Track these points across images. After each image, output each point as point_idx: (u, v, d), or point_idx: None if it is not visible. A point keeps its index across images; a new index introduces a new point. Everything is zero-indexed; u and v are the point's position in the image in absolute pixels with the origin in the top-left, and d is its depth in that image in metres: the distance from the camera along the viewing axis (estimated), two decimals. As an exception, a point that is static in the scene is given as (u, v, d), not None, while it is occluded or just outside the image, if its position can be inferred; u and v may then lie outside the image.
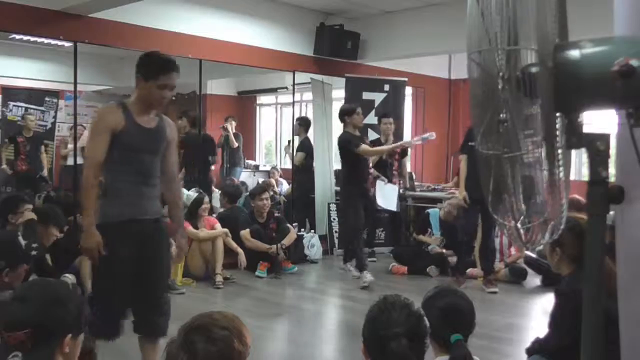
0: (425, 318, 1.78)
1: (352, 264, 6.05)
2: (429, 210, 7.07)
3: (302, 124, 7.93)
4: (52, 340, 1.58)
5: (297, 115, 8.76)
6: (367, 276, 5.69)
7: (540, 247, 3.48)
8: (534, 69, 1.44)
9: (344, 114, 6.05)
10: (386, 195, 6.44)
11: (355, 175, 5.95)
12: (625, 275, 1.70)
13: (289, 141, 8.47)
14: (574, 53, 1.40)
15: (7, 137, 8.68)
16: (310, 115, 8.66)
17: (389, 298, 1.81)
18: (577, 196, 3.61)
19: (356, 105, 6.16)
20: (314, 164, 8.06)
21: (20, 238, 3.93)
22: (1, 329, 1.57)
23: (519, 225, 1.53)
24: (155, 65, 2.88)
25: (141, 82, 2.87)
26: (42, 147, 8.58)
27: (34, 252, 4.20)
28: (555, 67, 1.41)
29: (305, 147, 7.82)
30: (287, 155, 8.83)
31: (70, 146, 9.02)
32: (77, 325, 1.64)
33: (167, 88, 2.87)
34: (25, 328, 1.54)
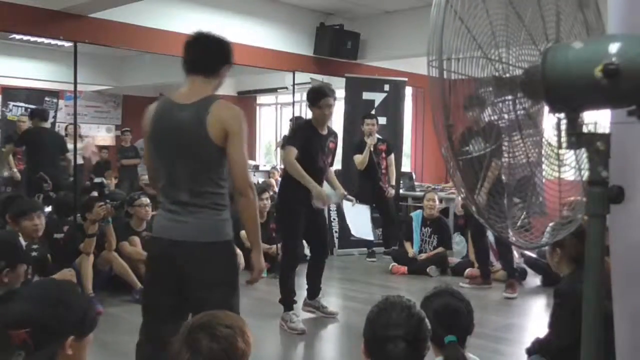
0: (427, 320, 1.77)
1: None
2: (413, 214, 7.08)
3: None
4: (53, 341, 1.55)
5: (297, 115, 8.76)
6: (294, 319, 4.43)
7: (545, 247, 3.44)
8: (529, 71, 1.44)
9: (308, 99, 4.51)
10: (358, 221, 4.78)
11: (295, 182, 4.30)
12: (620, 274, 1.71)
13: (284, 136, 8.46)
14: (565, 54, 1.40)
15: (6, 137, 8.71)
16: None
17: (391, 298, 1.79)
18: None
19: (331, 93, 4.42)
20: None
21: (21, 238, 3.93)
22: (5, 326, 1.55)
23: (517, 224, 1.53)
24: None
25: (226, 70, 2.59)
26: None
27: (34, 253, 4.19)
28: (548, 68, 1.41)
29: None
30: (278, 149, 8.80)
31: (70, 146, 9.00)
32: (80, 327, 1.59)
33: None
34: (26, 326, 1.52)
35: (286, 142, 4.46)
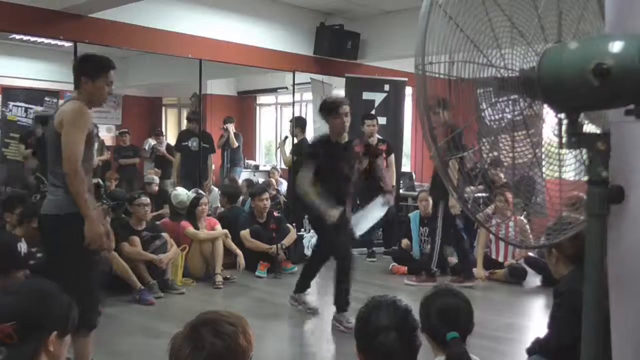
0: (414, 313, 1.84)
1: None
2: (410, 214, 7.07)
3: (298, 125, 7.90)
4: (38, 335, 1.59)
5: (297, 115, 8.75)
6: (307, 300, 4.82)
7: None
8: (528, 72, 1.44)
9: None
10: (365, 220, 5.09)
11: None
12: (618, 275, 1.70)
13: (286, 137, 8.44)
14: (559, 54, 1.40)
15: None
16: (310, 115, 8.63)
17: (376, 297, 1.88)
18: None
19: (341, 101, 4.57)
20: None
21: (22, 244, 3.86)
22: None
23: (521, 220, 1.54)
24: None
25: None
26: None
27: (38, 255, 4.14)
28: (543, 69, 1.41)
29: (302, 149, 7.81)
30: (279, 150, 8.80)
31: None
32: (63, 325, 1.66)
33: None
34: (12, 320, 1.56)
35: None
